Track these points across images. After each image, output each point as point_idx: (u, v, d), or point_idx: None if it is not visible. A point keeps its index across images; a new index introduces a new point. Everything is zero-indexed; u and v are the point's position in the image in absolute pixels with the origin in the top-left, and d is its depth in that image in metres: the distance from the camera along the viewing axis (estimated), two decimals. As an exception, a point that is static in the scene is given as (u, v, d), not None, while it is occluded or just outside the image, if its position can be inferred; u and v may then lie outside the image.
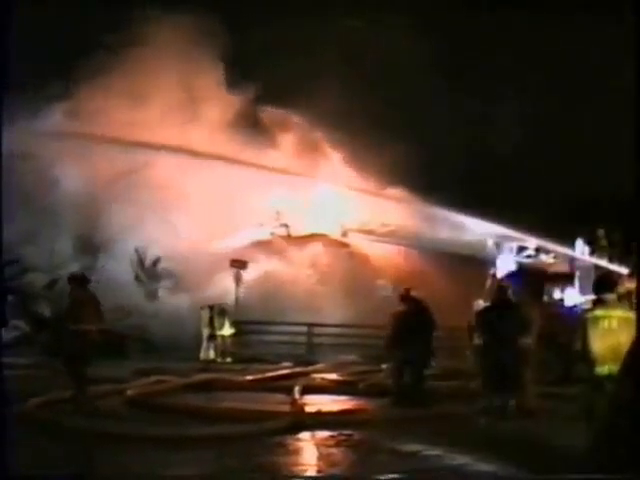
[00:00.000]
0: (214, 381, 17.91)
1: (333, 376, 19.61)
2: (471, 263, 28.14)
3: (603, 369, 8.28)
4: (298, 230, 34.37)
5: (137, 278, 31.53)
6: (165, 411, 13.34)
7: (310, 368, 21.76)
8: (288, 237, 34.26)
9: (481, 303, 18.05)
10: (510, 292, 14.09)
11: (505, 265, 26.16)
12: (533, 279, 21.96)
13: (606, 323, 8.43)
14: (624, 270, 21.13)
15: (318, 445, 10.99)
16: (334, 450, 10.59)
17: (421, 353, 15.15)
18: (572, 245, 25.92)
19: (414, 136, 29.82)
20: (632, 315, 8.21)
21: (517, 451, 10.23)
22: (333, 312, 30.12)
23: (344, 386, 17.89)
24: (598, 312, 8.73)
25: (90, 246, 31.00)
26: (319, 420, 12.80)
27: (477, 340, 13.88)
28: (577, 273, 23.27)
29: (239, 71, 32.31)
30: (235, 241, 32.26)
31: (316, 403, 14.87)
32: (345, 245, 34.22)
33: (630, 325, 7.99)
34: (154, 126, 31.14)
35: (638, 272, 11.63)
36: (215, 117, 32.82)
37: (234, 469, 9.22)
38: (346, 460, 10.07)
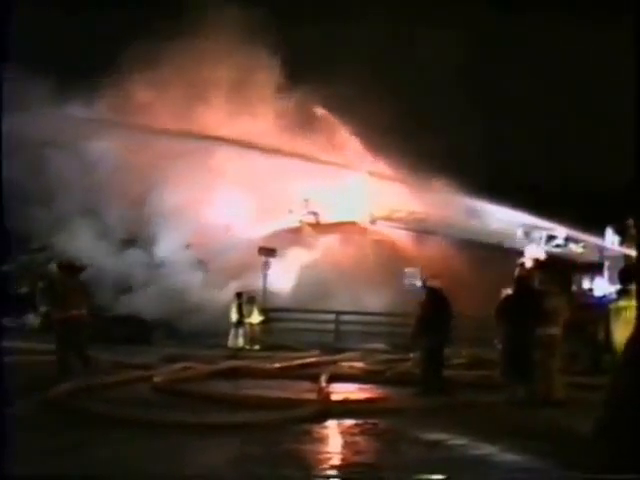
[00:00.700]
0: (241, 368, 17.95)
1: (360, 364, 19.62)
2: (500, 252, 28.02)
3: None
4: (327, 218, 34.35)
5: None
6: (191, 398, 13.40)
7: (337, 356, 21.77)
8: (317, 225, 34.25)
9: (509, 292, 17.98)
10: (534, 281, 14.03)
11: (534, 254, 26.05)
12: (562, 268, 21.86)
13: (629, 314, 8.29)
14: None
15: (343, 433, 10.99)
16: (359, 438, 10.60)
17: (440, 342, 15.12)
18: (602, 234, 25.76)
19: (443, 125, 29.75)
20: None
21: (543, 441, 10.18)
22: (361, 300, 30.12)
23: (371, 374, 17.91)
24: (622, 303, 8.66)
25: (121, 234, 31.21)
26: (345, 408, 12.83)
27: (501, 329, 13.88)
28: (606, 263, 23.11)
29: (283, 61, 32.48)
30: (264, 229, 32.29)
31: (343, 391, 14.90)
32: (373, 233, 34.15)
33: None
34: (189, 115, 31.36)
35: (638, 260, 11.44)
36: (249, 106, 32.91)
37: (259, 456, 9.24)
38: (371, 448, 10.06)
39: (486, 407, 13.22)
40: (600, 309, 16.15)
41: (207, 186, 31.49)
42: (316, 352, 23.04)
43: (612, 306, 8.82)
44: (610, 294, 19.23)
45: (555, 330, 13.68)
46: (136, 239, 31.55)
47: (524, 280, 14.39)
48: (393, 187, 33.31)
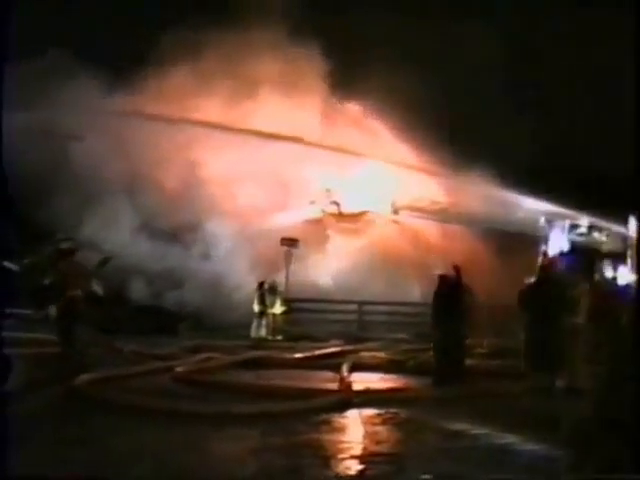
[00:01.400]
0: (263, 358, 18.01)
1: (382, 354, 19.61)
2: (523, 241, 27.85)
3: None
4: (349, 208, 34.29)
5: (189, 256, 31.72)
6: (213, 388, 13.46)
7: (359, 346, 21.76)
8: (339, 215, 34.19)
9: (532, 281, 17.90)
10: (556, 270, 13.96)
11: (557, 243, 25.88)
12: (585, 257, 21.71)
13: None
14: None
15: (364, 423, 11.00)
16: (380, 428, 10.60)
17: (456, 332, 15.00)
18: (625, 223, 25.50)
19: (464, 116, 29.67)
20: None
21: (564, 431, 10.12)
22: (384, 290, 30.06)
23: (393, 364, 17.87)
24: None
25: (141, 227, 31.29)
26: (366, 398, 12.83)
27: (524, 318, 13.83)
28: (629, 251, 22.87)
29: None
30: (286, 219, 32.28)
31: (364, 381, 14.89)
32: (396, 223, 34.06)
33: None
34: (207, 104, 31.44)
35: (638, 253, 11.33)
36: (271, 96, 32.93)
37: (279, 446, 9.25)
38: (392, 438, 10.06)
39: (508, 396, 13.16)
40: (624, 298, 16.02)
41: (233, 177, 31.58)
42: (338, 342, 23.04)
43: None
44: (634, 283, 19.07)
45: (579, 319, 13.61)
46: (173, 232, 31.61)
47: (547, 269, 14.31)
48: (416, 176, 33.18)
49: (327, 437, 9.90)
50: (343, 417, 11.25)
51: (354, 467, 8.47)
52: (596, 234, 27.39)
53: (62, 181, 29.67)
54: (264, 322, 25.68)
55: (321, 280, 31.04)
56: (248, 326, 25.50)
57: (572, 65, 32.09)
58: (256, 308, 25.71)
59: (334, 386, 13.70)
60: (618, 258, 22.58)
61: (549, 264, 14.51)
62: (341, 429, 10.57)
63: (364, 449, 9.36)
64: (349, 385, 13.83)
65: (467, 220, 32.14)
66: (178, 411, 10.88)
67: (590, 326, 14.06)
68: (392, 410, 11.65)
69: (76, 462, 8.29)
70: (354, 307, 29.01)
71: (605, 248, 25.69)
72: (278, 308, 26.10)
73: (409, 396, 13.41)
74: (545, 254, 16.14)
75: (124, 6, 30.99)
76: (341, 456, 8.93)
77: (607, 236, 26.79)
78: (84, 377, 12.84)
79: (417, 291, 27.61)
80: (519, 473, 8.38)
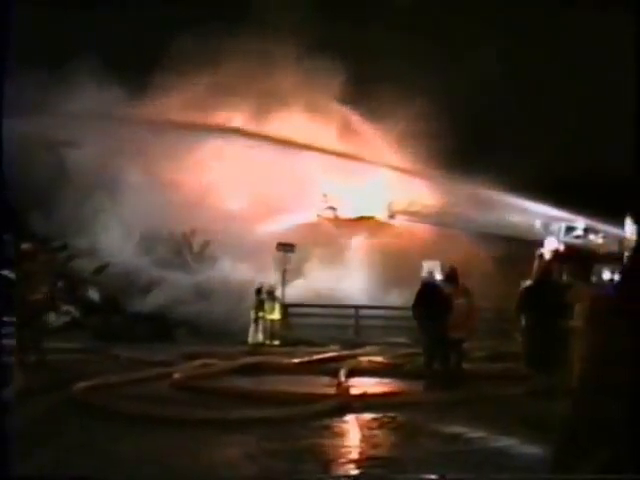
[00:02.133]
0: (260, 364, 17.98)
1: (380, 358, 19.60)
2: (519, 244, 27.88)
3: None
4: (345, 213, 34.33)
5: (185, 262, 31.73)
6: (211, 394, 13.44)
7: (357, 351, 21.75)
8: (335, 220, 34.24)
9: (529, 284, 17.91)
10: (554, 273, 13.97)
11: (553, 246, 25.85)
12: (581, 260, 21.67)
13: None
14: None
15: (362, 427, 11.00)
16: (378, 432, 10.60)
17: (436, 337, 14.94)
18: (621, 225, 25.52)
19: (460, 120, 29.70)
20: None
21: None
22: (381, 294, 30.08)
23: (390, 368, 17.89)
24: None
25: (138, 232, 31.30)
26: (364, 402, 12.83)
27: (522, 321, 13.83)
28: (626, 253, 22.88)
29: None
30: (283, 224, 32.30)
31: (362, 386, 14.88)
32: (392, 227, 34.10)
33: None
34: (206, 107, 31.52)
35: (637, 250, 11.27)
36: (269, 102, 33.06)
37: (278, 451, 9.25)
38: (389, 442, 10.06)
39: (506, 399, 13.17)
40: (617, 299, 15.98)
41: (230, 181, 31.66)
42: (336, 347, 23.04)
43: None
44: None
45: (576, 322, 13.60)
46: (163, 238, 31.64)
47: (544, 272, 14.32)
48: (412, 181, 33.24)
49: (325, 442, 9.89)
50: (341, 422, 11.25)
51: (352, 471, 8.48)
52: (592, 236, 27.43)
53: (67, 189, 29.85)
54: (261, 327, 25.65)
55: (318, 284, 31.03)
56: (245, 332, 25.46)
57: (571, 66, 32.13)
58: (254, 314, 25.68)
59: (332, 391, 13.70)
60: (615, 261, 22.56)
61: (545, 267, 14.51)
62: (339, 434, 10.57)
63: (362, 453, 9.37)
64: (347, 390, 13.83)
65: (463, 224, 32.17)
66: (176, 418, 10.86)
67: (587, 329, 14.06)
68: (390, 414, 11.65)
69: (74, 468, 8.28)
70: (351, 311, 29.00)
71: (601, 250, 25.72)
72: (276, 313, 26.07)
73: (407, 400, 13.42)
74: (541, 257, 16.08)
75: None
76: (339, 460, 8.93)
77: (603, 238, 26.84)
78: (81, 384, 12.81)
79: (413, 295, 27.58)
80: (516, 475, 8.39)
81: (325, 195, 33.81)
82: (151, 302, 28.58)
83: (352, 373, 16.01)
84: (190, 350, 20.52)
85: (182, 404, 12.30)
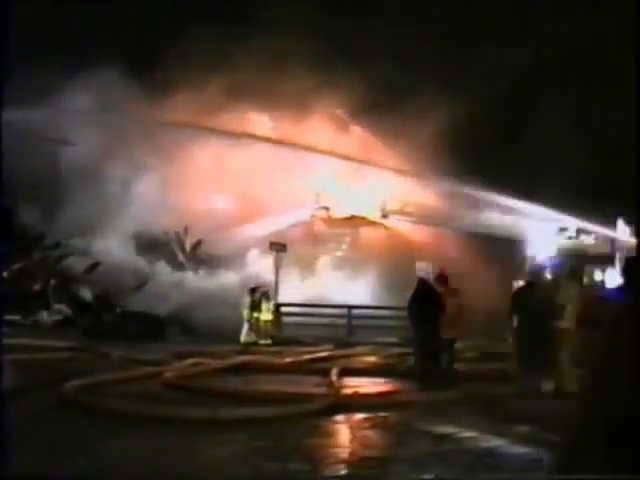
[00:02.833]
0: (252, 363, 17.97)
1: (371, 358, 19.63)
2: (512, 245, 27.96)
3: None
4: (338, 212, 34.37)
5: (178, 261, 31.76)
6: (202, 393, 13.42)
7: (349, 350, 21.77)
8: (328, 219, 34.27)
9: (521, 284, 17.95)
10: (546, 274, 14.04)
11: (545, 246, 25.94)
12: (573, 260, 21.76)
13: None
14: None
15: (353, 427, 11.00)
16: (369, 432, 10.60)
17: (428, 336, 14.89)
18: (613, 226, 25.59)
19: (451, 120, 29.81)
20: None
21: (553, 433, 10.14)
22: (373, 294, 30.13)
23: (382, 368, 17.90)
24: None
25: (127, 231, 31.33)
26: (355, 402, 12.84)
27: (513, 321, 13.86)
28: (618, 254, 22.96)
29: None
30: (275, 223, 32.33)
31: (354, 385, 14.89)
32: (385, 227, 34.15)
33: None
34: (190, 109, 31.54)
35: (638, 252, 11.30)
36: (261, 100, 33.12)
37: (268, 451, 9.25)
38: (380, 442, 10.07)
39: (496, 399, 13.19)
40: (612, 301, 16.02)
41: (218, 183, 31.69)
42: (328, 346, 23.05)
43: None
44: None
45: (566, 323, 13.65)
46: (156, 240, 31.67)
47: (536, 273, 14.39)
48: (404, 182, 33.29)
49: (316, 441, 9.89)
50: (332, 421, 11.25)
51: (342, 471, 8.48)
52: (584, 237, 27.49)
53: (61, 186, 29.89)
54: (254, 327, 25.64)
55: (310, 284, 31.08)
56: (237, 331, 25.46)
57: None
58: (246, 313, 25.68)
59: (323, 390, 13.70)
60: (606, 261, 22.68)
61: (538, 268, 14.57)
62: (330, 433, 10.58)
63: (353, 453, 9.37)
64: (338, 389, 13.84)
65: (456, 224, 32.23)
66: (167, 417, 10.85)
67: (578, 329, 14.11)
68: (381, 414, 11.66)
69: (65, 466, 8.27)
70: (343, 311, 29.02)
71: (593, 251, 25.80)
72: (268, 313, 26.06)
73: (398, 400, 13.43)
74: (534, 258, 16.15)
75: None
76: (329, 460, 8.93)
77: (595, 239, 26.90)
78: (73, 383, 12.79)
79: (406, 294, 27.61)
80: (506, 474, 8.41)
81: (318, 195, 33.84)
82: (143, 301, 28.58)
83: (344, 373, 16.00)
84: (182, 349, 20.51)
85: (173, 403, 12.27)
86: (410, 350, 20.01)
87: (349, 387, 14.47)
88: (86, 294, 28.33)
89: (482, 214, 31.13)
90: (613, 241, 25.09)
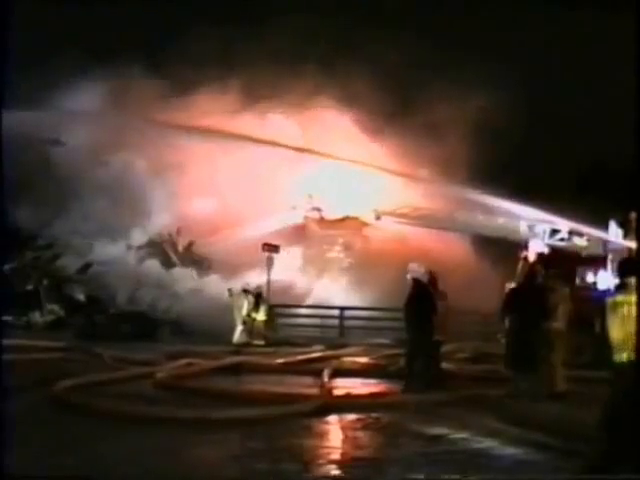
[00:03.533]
0: (244, 364, 17.97)
1: (363, 359, 19.63)
2: (504, 246, 27.98)
3: (622, 356, 7.79)
4: (331, 213, 34.33)
5: (170, 262, 31.72)
6: (194, 394, 13.41)
7: (340, 351, 21.76)
8: (321, 220, 34.22)
9: (513, 286, 17.95)
10: (539, 275, 14.04)
11: (537, 248, 25.95)
12: (565, 262, 21.79)
13: (625, 309, 7.89)
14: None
15: (345, 428, 11.01)
16: (361, 433, 10.61)
17: (423, 337, 14.85)
18: (605, 228, 25.65)
19: (445, 121, 29.88)
20: None
21: (544, 434, 10.17)
22: (365, 295, 30.13)
23: (374, 369, 17.91)
24: (619, 297, 8.17)
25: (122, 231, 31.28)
26: (347, 403, 12.86)
27: (505, 323, 13.89)
28: (610, 256, 23.02)
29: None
30: (268, 225, 32.28)
31: (346, 386, 14.91)
32: (378, 228, 34.12)
33: None
34: (188, 109, 31.50)
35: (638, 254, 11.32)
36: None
37: (260, 451, 9.25)
38: (372, 443, 10.08)
39: (488, 400, 13.19)
40: (603, 302, 16.04)
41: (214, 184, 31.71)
42: (320, 347, 23.04)
43: (609, 300, 8.29)
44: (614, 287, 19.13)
45: (558, 324, 13.68)
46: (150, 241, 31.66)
47: (528, 274, 14.37)
48: (397, 182, 33.26)
49: (308, 442, 9.90)
50: (324, 422, 11.26)
51: (334, 472, 8.49)
52: (576, 239, 27.56)
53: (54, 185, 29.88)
54: (246, 327, 25.60)
55: (302, 285, 31.07)
56: (230, 331, 25.43)
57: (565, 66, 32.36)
58: (239, 314, 25.64)
59: (315, 391, 13.70)
60: (598, 263, 22.74)
61: (530, 269, 14.56)
62: (322, 434, 10.58)
63: (344, 454, 9.37)
64: (330, 390, 13.84)
65: (448, 225, 32.23)
66: (158, 417, 10.84)
67: (570, 331, 14.15)
68: (373, 415, 11.67)
69: (57, 467, 8.25)
70: (336, 312, 29.03)
71: (585, 253, 25.88)
72: (261, 313, 26.04)
73: (390, 401, 13.43)
74: (525, 259, 16.14)
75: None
76: (321, 461, 8.94)
77: (587, 241, 26.97)
78: (64, 383, 12.77)
79: (398, 296, 27.60)
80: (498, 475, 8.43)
81: (310, 196, 33.79)
82: (135, 301, 28.56)
83: (335, 373, 16.01)
84: (174, 349, 20.48)
85: (165, 403, 12.27)
86: (401, 351, 20.14)
87: (341, 388, 14.46)
88: (79, 294, 28.29)
89: (478, 215, 31.14)
90: (605, 243, 25.17)
